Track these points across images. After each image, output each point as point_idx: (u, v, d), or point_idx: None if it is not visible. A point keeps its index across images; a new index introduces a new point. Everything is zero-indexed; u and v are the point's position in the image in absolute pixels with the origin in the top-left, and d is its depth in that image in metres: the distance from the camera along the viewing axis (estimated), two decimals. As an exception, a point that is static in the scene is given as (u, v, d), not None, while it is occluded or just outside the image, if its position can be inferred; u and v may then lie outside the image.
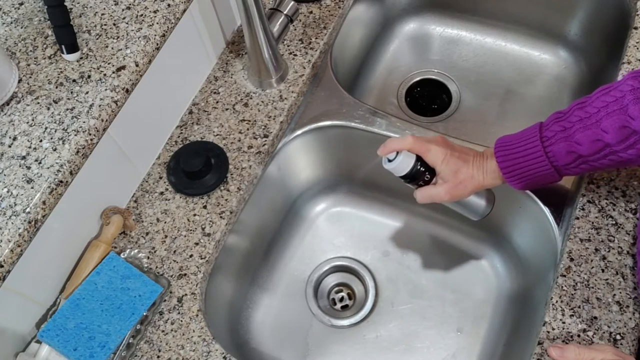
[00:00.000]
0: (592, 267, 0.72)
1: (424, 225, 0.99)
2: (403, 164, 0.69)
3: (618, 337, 0.67)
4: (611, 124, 0.60)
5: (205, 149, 0.84)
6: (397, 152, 0.69)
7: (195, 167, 0.80)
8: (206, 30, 0.88)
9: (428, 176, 0.70)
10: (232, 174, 0.83)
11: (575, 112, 0.63)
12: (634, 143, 0.60)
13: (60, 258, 0.74)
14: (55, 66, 0.73)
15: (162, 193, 0.83)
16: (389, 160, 0.70)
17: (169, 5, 0.77)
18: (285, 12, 0.87)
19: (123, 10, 0.77)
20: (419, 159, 0.69)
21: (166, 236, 0.79)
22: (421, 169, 0.69)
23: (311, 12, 0.97)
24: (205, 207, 0.81)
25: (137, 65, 0.73)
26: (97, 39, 0.75)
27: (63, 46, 0.72)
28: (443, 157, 0.68)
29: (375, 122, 0.89)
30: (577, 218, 0.75)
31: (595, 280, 0.71)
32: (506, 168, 0.68)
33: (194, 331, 0.73)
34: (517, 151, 0.67)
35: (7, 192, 0.64)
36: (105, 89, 0.71)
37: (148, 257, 0.78)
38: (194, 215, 0.81)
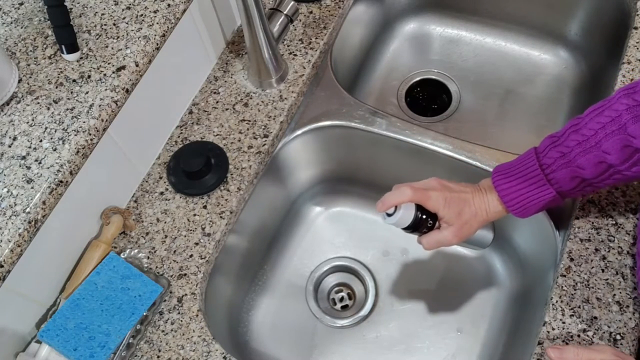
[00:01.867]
0: (592, 267, 0.72)
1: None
2: (405, 217, 0.66)
3: (618, 337, 0.67)
4: (612, 145, 0.59)
5: (205, 149, 0.84)
6: (396, 206, 0.66)
7: (195, 167, 0.80)
8: (206, 30, 0.88)
9: (431, 222, 0.68)
10: (232, 174, 0.83)
11: (571, 135, 0.62)
12: (637, 161, 0.59)
13: (60, 258, 0.74)
14: (55, 66, 0.73)
15: (162, 193, 0.83)
16: (388, 215, 0.67)
17: (169, 5, 0.77)
18: (285, 12, 0.87)
19: (123, 10, 0.77)
20: (418, 207, 0.67)
21: (166, 236, 0.79)
22: (423, 216, 0.67)
23: (311, 12, 0.97)
24: (205, 207, 0.81)
25: (137, 65, 0.73)
26: (97, 39, 0.75)
27: (63, 46, 0.72)
28: (444, 201, 0.66)
29: (375, 122, 0.89)
30: (577, 218, 0.75)
31: (595, 280, 0.71)
32: (510, 202, 0.66)
33: (194, 331, 0.73)
34: (517, 182, 0.66)
35: (7, 192, 0.64)
36: (105, 89, 0.71)
37: (148, 257, 0.78)
38: (194, 215, 0.81)
